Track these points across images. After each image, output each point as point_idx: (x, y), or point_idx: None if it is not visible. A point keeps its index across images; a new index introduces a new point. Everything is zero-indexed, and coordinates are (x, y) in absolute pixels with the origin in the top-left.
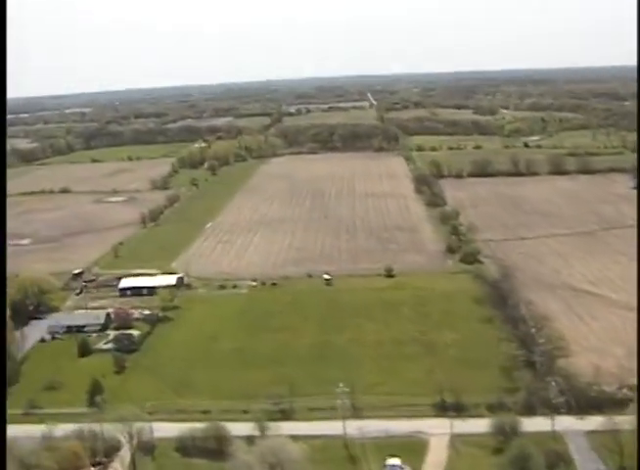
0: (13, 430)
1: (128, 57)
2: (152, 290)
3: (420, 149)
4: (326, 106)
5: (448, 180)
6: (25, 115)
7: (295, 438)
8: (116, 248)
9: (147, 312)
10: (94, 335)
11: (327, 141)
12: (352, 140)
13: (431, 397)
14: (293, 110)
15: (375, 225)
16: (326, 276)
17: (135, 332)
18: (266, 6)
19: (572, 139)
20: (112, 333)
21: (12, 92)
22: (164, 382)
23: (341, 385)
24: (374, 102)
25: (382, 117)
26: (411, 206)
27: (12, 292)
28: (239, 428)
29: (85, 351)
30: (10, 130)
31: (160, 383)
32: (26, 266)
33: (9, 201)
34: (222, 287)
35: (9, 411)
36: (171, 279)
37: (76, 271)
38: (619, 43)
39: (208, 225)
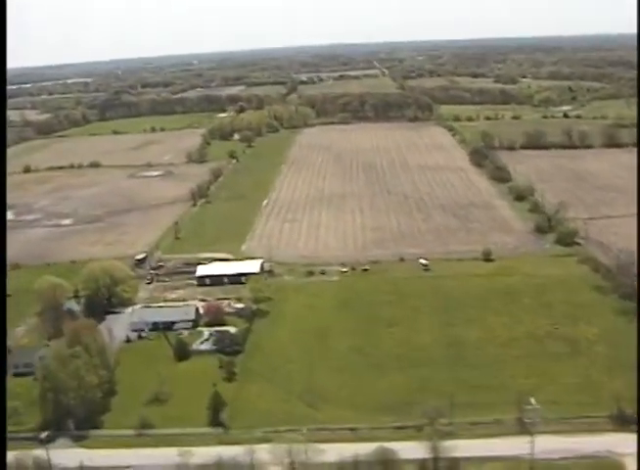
0: (129, 456)
1: (125, 26)
2: (233, 278)
3: (457, 119)
4: (336, 74)
5: (502, 152)
6: (28, 85)
7: (470, 460)
8: (173, 228)
9: (239, 305)
10: (185, 333)
11: (357, 110)
12: (383, 109)
13: (602, 406)
14: (304, 78)
15: (445, 202)
16: (423, 261)
17: (231, 329)
18: None
19: (607, 109)
20: (205, 330)
21: (10, 63)
22: (287, 390)
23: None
24: (384, 70)
25: (402, 85)
26: (474, 180)
27: (81, 282)
28: (403, 449)
29: (183, 353)
30: (15, 101)
31: (281, 391)
32: (79, 250)
33: (39, 177)
34: (310, 273)
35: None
36: (253, 266)
37: (140, 256)
38: (618, 10)
39: (265, 202)
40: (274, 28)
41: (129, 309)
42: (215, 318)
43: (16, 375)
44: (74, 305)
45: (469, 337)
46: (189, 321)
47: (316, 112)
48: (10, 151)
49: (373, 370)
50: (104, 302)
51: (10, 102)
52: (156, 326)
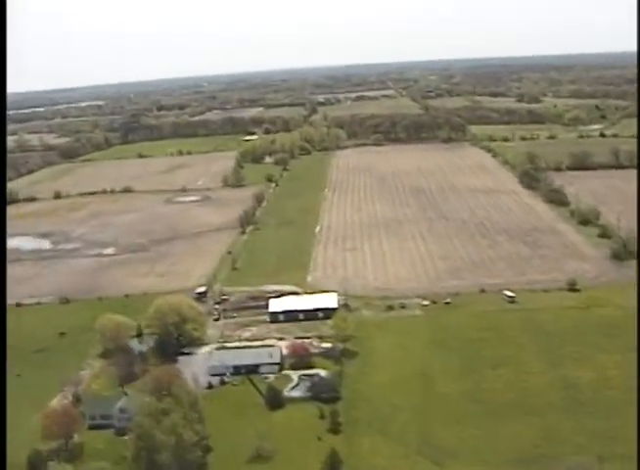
0: None
1: (131, 50)
2: (309, 314)
3: (491, 139)
4: (352, 95)
5: (550, 174)
6: (41, 109)
7: None
8: (227, 258)
9: (325, 345)
10: (271, 377)
11: (389, 132)
12: (415, 131)
13: None
14: (321, 99)
15: (506, 226)
16: (507, 293)
17: (321, 372)
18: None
19: None
20: (292, 374)
21: (16, 87)
22: (402, 443)
23: None
24: (400, 90)
25: (426, 106)
26: (530, 203)
27: (147, 319)
28: None
29: (275, 400)
30: (30, 125)
31: (397, 445)
32: (130, 282)
33: (71, 203)
34: (389, 308)
35: None
36: (329, 300)
37: (200, 290)
38: (627, 28)
39: (317, 229)
40: (282, 50)
41: (202, 350)
42: (301, 360)
43: (92, 428)
44: (140, 346)
45: (582, 378)
46: (274, 364)
47: (346, 133)
48: (36, 176)
49: (490, 419)
50: (173, 341)
51: (25, 126)
52: (237, 370)
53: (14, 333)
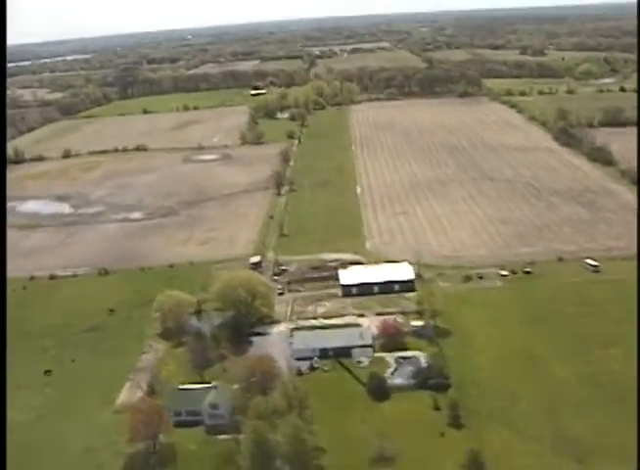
0: None
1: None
2: (385, 286)
3: (509, 93)
4: (347, 47)
5: (580, 131)
6: (27, 62)
7: None
8: (271, 223)
9: (417, 323)
10: (365, 361)
11: (402, 86)
12: (429, 85)
13: None
14: (317, 52)
15: (557, 187)
16: (591, 262)
17: (419, 354)
18: None
19: None
20: (387, 357)
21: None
22: (535, 438)
23: None
24: (394, 42)
25: (429, 59)
26: (574, 162)
27: (215, 296)
28: None
29: (380, 390)
30: (19, 79)
31: (530, 440)
32: (170, 251)
33: (85, 163)
34: (467, 278)
35: None
36: (405, 271)
37: (254, 260)
38: None
39: (358, 190)
40: (266, 2)
41: (275, 329)
42: (393, 340)
43: (179, 425)
44: (204, 325)
45: None
46: (366, 346)
47: (358, 87)
48: (38, 133)
49: (621, 407)
50: (242, 320)
51: (12, 80)
52: (325, 353)
53: (57, 309)
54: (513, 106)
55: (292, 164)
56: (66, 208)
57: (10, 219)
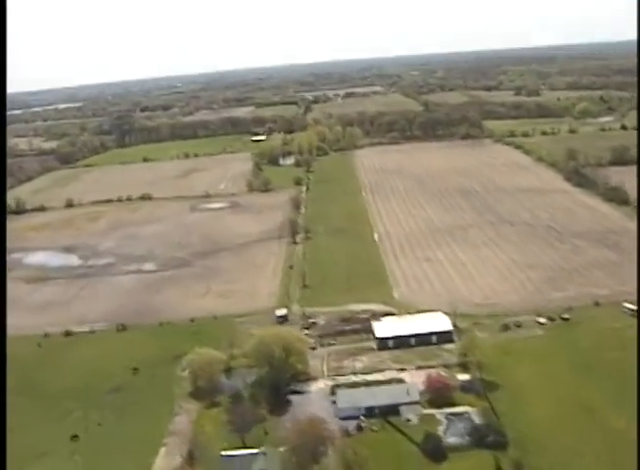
0: None
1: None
2: (422, 338)
3: (512, 135)
4: (341, 92)
5: (592, 171)
6: (18, 111)
7: None
8: (291, 273)
9: (463, 377)
10: (413, 419)
11: (404, 129)
12: (431, 128)
13: None
14: (310, 97)
15: (578, 229)
16: (629, 305)
17: (468, 410)
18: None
19: None
20: (436, 414)
21: None
22: None
23: None
24: (387, 86)
25: (425, 102)
26: (590, 203)
27: (248, 353)
28: None
29: (436, 450)
30: (11, 128)
31: None
32: (190, 304)
33: (89, 212)
34: (505, 327)
35: None
36: (441, 322)
37: (281, 312)
38: (606, 20)
39: (376, 237)
40: (253, 50)
41: (314, 387)
42: (440, 396)
43: None
44: (237, 383)
45: None
46: (414, 403)
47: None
48: (37, 182)
49: None
50: (278, 378)
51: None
52: (370, 411)
53: (76, 368)
54: (518, 147)
55: (303, 211)
56: (74, 259)
57: (17, 272)
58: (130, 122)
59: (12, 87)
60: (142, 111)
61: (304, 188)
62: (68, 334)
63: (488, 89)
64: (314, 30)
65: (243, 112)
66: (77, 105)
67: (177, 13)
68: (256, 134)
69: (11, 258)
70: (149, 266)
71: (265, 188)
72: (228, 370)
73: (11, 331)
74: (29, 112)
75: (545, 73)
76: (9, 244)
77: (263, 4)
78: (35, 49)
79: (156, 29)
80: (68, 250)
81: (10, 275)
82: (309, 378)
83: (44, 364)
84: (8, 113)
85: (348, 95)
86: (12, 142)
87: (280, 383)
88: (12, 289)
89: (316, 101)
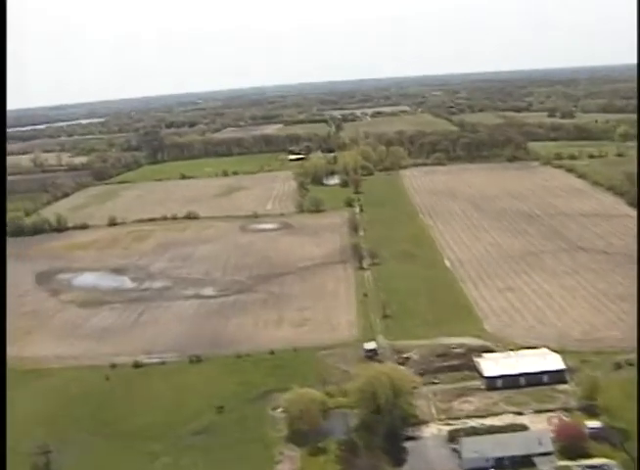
0: None
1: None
2: (533, 378)
3: (559, 157)
4: (369, 111)
5: None
6: (41, 126)
7: None
8: (367, 302)
9: (591, 424)
10: None
11: (447, 150)
12: (476, 149)
13: None
14: (339, 115)
15: None
16: None
17: (608, 462)
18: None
19: None
20: (574, 467)
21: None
22: None
23: None
24: (413, 106)
25: (461, 123)
26: None
27: (353, 394)
28: None
29: None
30: (37, 143)
31: None
32: (264, 334)
33: (134, 231)
34: (617, 366)
35: None
36: (552, 360)
37: (369, 346)
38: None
39: (448, 264)
40: (271, 68)
41: (426, 432)
42: (573, 445)
43: None
44: (340, 427)
45: None
46: (546, 454)
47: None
48: (74, 199)
49: None
50: (389, 422)
51: (30, 144)
52: (500, 463)
53: (153, 405)
54: (570, 170)
55: (361, 234)
56: (126, 282)
57: (68, 295)
58: (159, 139)
59: (32, 102)
60: (167, 127)
61: (357, 210)
62: (137, 365)
63: (518, 110)
64: (330, 49)
65: (271, 129)
66: (100, 120)
67: (195, 30)
68: (292, 152)
69: (59, 278)
70: (208, 291)
71: (316, 209)
72: (325, 411)
73: (73, 361)
74: (53, 127)
75: (572, 96)
76: (54, 263)
77: (280, 23)
78: (53, 63)
79: (172, 45)
80: (118, 271)
81: (60, 298)
82: (419, 422)
83: (116, 400)
84: (31, 127)
85: (377, 114)
86: (41, 157)
87: (394, 428)
88: (66, 313)
89: (345, 119)
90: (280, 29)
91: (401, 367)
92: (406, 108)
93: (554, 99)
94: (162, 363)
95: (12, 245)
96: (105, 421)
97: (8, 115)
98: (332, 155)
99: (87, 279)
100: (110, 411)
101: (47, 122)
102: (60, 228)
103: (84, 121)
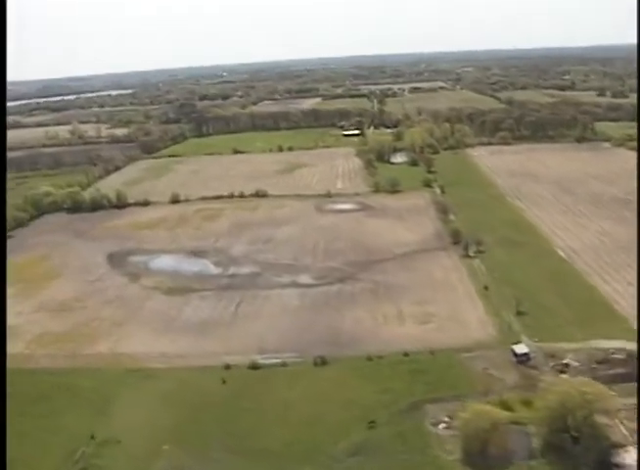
0: None
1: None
2: None
3: (630, 139)
4: (405, 86)
5: None
6: (71, 97)
7: None
8: (491, 295)
9: None
10: None
11: (511, 129)
12: (541, 128)
13: None
14: (376, 91)
15: None
16: None
17: None
18: None
19: None
20: None
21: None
22: None
23: None
24: (450, 82)
25: (509, 100)
26: None
27: (544, 412)
28: None
29: None
30: (69, 113)
31: None
32: (385, 332)
33: (201, 210)
34: None
35: None
36: None
37: (520, 350)
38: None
39: (562, 254)
40: (292, 41)
41: (628, 459)
42: None
43: None
44: (522, 448)
45: None
46: None
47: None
48: (126, 173)
49: None
50: (595, 446)
51: (63, 115)
52: None
53: (286, 416)
54: None
55: (451, 217)
56: (209, 266)
57: (148, 280)
58: (197, 111)
59: (54, 73)
60: (200, 99)
61: (438, 190)
62: (254, 367)
63: (562, 89)
64: (350, 23)
65: (310, 103)
66: (128, 92)
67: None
68: (344, 128)
69: (134, 261)
70: (305, 279)
71: (392, 189)
72: (501, 429)
73: (180, 361)
74: (82, 98)
75: (612, 74)
76: (124, 243)
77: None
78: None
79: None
80: (196, 254)
81: (142, 283)
82: (614, 444)
83: (241, 408)
84: (60, 98)
85: (415, 90)
86: (79, 128)
87: (602, 454)
88: (154, 302)
89: (386, 95)
90: (298, 3)
91: (592, 381)
92: (442, 84)
93: (596, 78)
94: (283, 365)
95: (74, 222)
96: (238, 435)
97: (31, 85)
98: (389, 131)
99: (165, 262)
100: (239, 423)
101: (71, 93)
102: (120, 205)
103: (114, 93)
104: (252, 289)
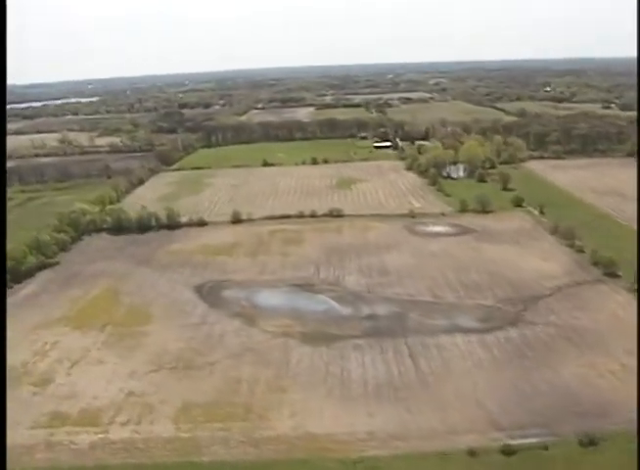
0: None
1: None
2: None
3: None
4: (395, 96)
5: None
6: (37, 103)
7: None
8: None
9: None
10: None
11: (559, 143)
12: (591, 142)
13: None
14: (369, 100)
15: None
16: None
17: None
18: None
19: None
20: None
21: None
22: None
23: None
24: (434, 93)
25: (522, 112)
26: None
27: None
28: None
29: None
30: (42, 121)
31: None
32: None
33: (274, 231)
34: None
35: None
36: None
37: None
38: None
39: None
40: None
41: None
42: None
43: None
44: None
45: None
46: None
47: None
48: (153, 186)
49: None
50: None
51: (35, 122)
52: None
53: None
54: None
55: (578, 242)
56: (332, 304)
57: (268, 323)
58: (190, 120)
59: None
60: (181, 107)
61: (534, 211)
62: (507, 452)
63: (559, 100)
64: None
65: (304, 113)
66: (94, 99)
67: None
68: (364, 138)
69: (231, 297)
70: (466, 321)
71: (484, 210)
72: None
73: (403, 445)
74: (51, 105)
75: (598, 87)
76: (204, 273)
77: (265, 5)
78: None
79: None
80: (303, 287)
81: (261, 327)
82: None
83: None
84: (27, 105)
85: (407, 100)
86: (69, 136)
87: None
88: (296, 354)
89: (378, 105)
90: (264, 10)
91: None
92: (426, 95)
93: (580, 90)
94: (543, 448)
95: (126, 246)
96: None
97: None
98: (419, 143)
99: (274, 299)
100: None
101: (29, 101)
102: (172, 225)
103: (84, 100)
104: (411, 335)
